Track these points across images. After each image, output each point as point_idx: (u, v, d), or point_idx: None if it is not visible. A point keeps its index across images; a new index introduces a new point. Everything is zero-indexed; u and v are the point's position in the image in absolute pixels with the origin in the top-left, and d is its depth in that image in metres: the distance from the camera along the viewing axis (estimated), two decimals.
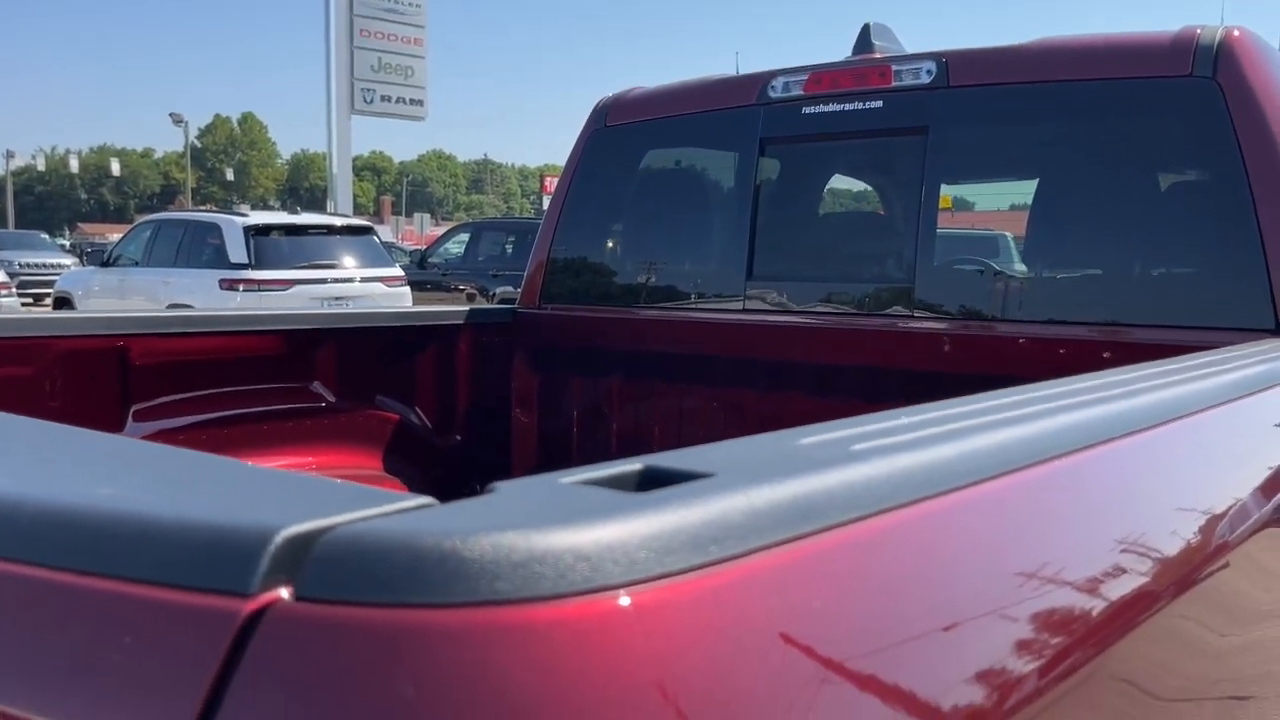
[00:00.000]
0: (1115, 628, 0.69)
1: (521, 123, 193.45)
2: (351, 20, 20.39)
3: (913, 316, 2.30)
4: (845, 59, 2.58)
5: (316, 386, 2.45)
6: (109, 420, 2.07)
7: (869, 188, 2.91)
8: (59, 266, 18.35)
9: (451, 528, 0.43)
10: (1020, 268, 2.38)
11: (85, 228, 65.82)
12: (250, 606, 0.42)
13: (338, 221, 11.02)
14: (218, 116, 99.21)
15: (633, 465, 0.54)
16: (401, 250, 19.22)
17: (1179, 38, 2.03)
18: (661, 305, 2.71)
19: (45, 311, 9.11)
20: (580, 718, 0.40)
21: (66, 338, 1.99)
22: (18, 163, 67.83)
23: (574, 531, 0.43)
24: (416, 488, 1.84)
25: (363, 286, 9.98)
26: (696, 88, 2.76)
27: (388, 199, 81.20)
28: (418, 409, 2.64)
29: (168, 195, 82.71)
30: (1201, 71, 1.96)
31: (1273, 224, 1.85)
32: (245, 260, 9.58)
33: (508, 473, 2.66)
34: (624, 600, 0.43)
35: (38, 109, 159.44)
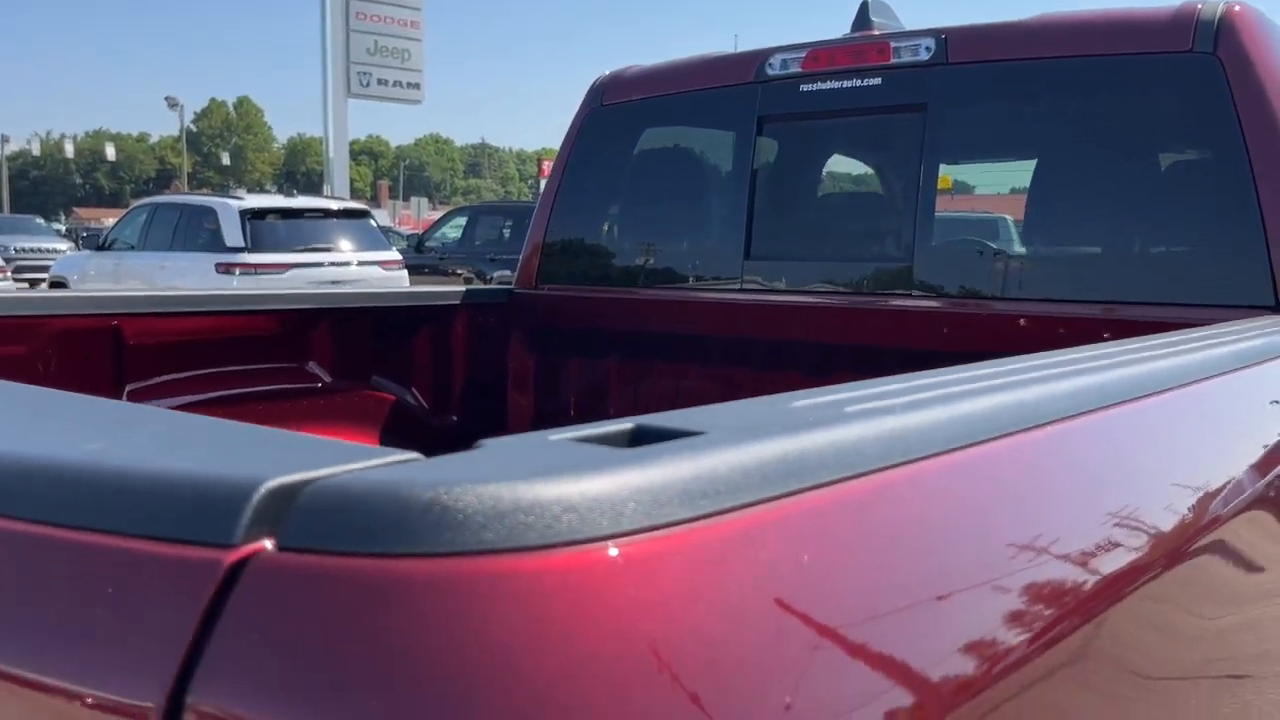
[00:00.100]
0: (1105, 597, 0.69)
1: (519, 106, 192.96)
2: (347, 3, 20.27)
3: (911, 295, 2.29)
4: (844, 36, 2.56)
5: (312, 367, 2.44)
6: None
7: (868, 167, 2.90)
8: (54, 251, 18.30)
9: (437, 479, 0.42)
10: (1020, 250, 2.37)
11: (81, 213, 65.71)
12: (233, 557, 0.42)
13: (334, 205, 10.99)
14: (213, 100, 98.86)
15: (623, 424, 0.53)
16: (399, 235, 19.18)
17: (1180, 12, 2.02)
18: (659, 285, 2.70)
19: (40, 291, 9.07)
20: (566, 667, 0.40)
21: (60, 316, 1.98)
22: (12, 147, 67.56)
23: (561, 483, 0.43)
24: None
25: (359, 270, 9.96)
26: (693, 65, 2.74)
27: (385, 183, 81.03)
28: (414, 389, 2.63)
29: (163, 180, 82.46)
30: (1202, 47, 1.95)
31: (1273, 201, 1.84)
32: (241, 244, 9.55)
33: None
34: (612, 551, 0.42)
35: (32, 93, 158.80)
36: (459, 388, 2.71)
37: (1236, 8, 1.97)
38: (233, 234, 9.61)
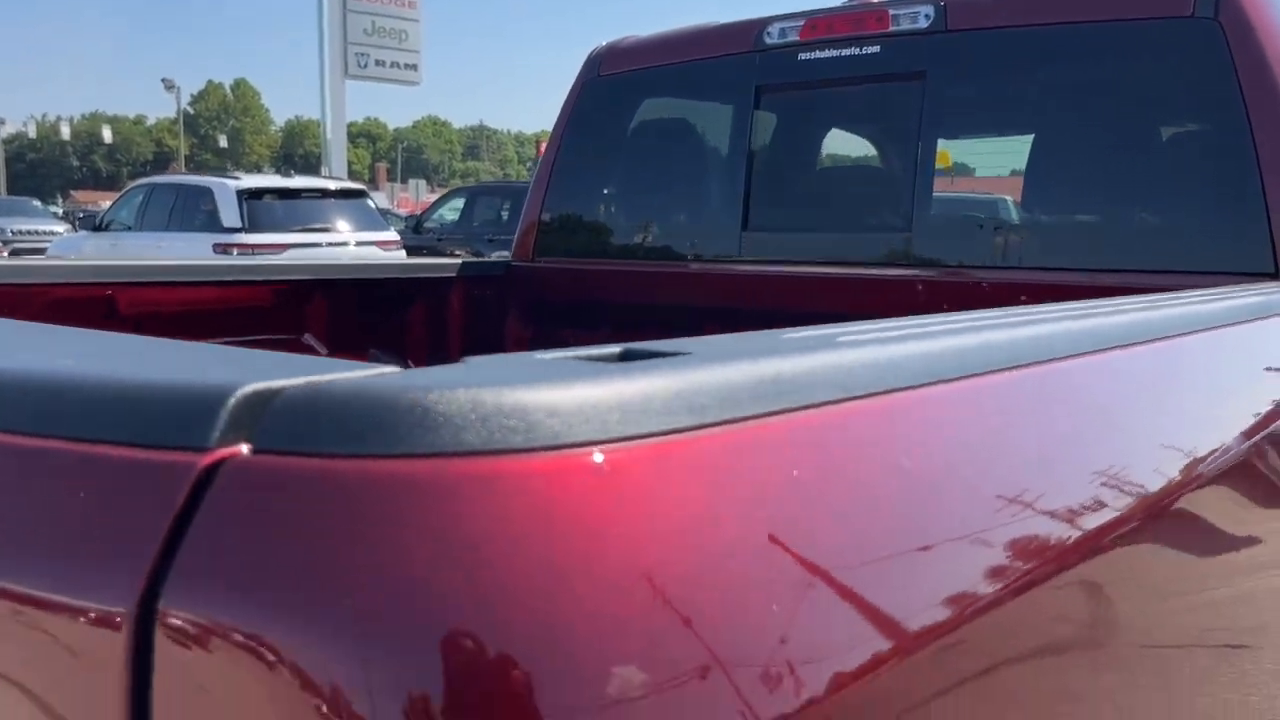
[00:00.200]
0: (1088, 546, 0.68)
1: (517, 88, 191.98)
2: None
3: (910, 265, 2.28)
4: (842, 4, 2.54)
5: (308, 338, 2.43)
6: None
7: (867, 137, 2.88)
8: (50, 234, 18.27)
9: (417, 383, 0.42)
10: (1019, 220, 2.36)
11: (78, 195, 65.47)
12: (207, 460, 0.41)
13: (331, 185, 10.95)
14: (210, 83, 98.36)
15: (611, 348, 0.53)
16: (397, 216, 19.13)
17: None
18: (657, 257, 2.69)
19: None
20: (546, 568, 0.39)
21: (55, 285, 1.97)
22: (8, 130, 67.25)
23: (545, 390, 0.42)
24: None
25: (357, 251, 9.93)
26: (691, 35, 2.72)
27: (383, 166, 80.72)
28: (410, 362, 2.63)
29: (161, 163, 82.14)
30: (1203, 12, 1.93)
31: (1274, 167, 1.83)
32: (238, 224, 9.52)
33: None
34: (596, 457, 0.42)
35: (29, 75, 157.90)
36: (456, 359, 2.70)
37: None
38: (230, 214, 9.58)
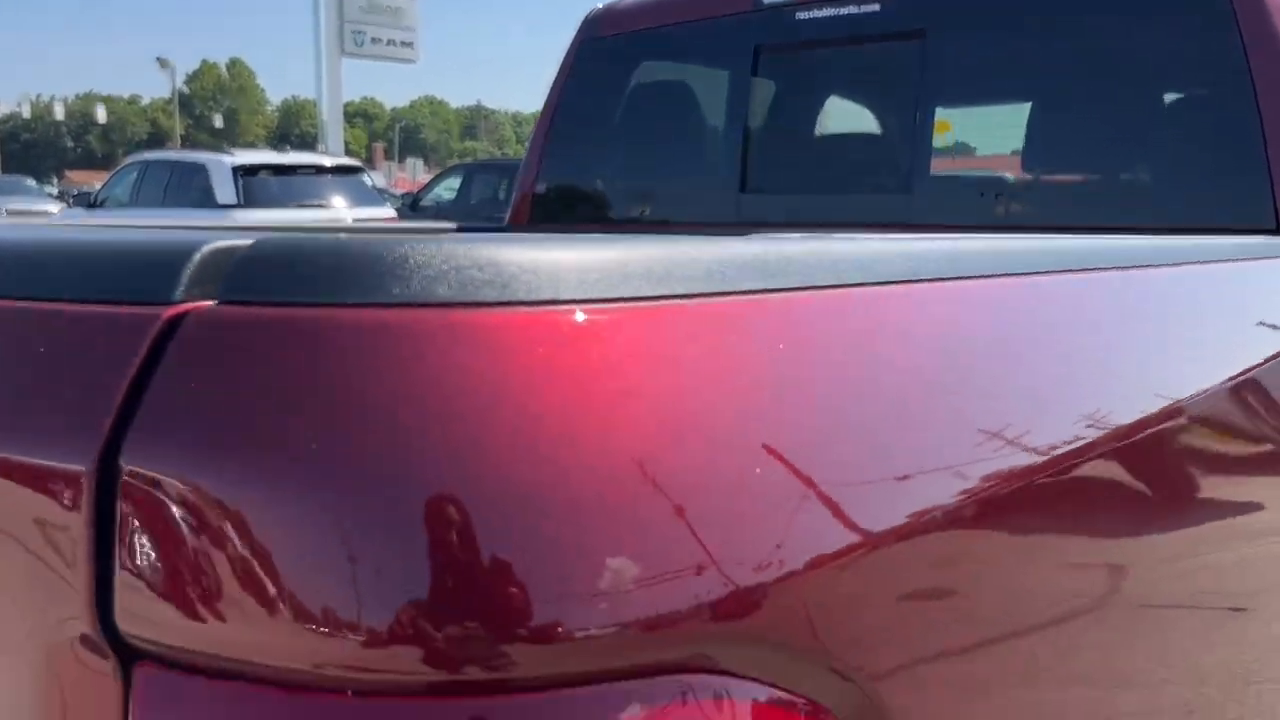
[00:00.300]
0: (1068, 452, 0.67)
1: (515, 67, 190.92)
2: None
3: (909, 226, 2.26)
4: None
5: None
6: None
7: (866, 97, 2.85)
8: (45, 213, 18.19)
9: (388, 237, 0.40)
10: (1017, 180, 2.33)
11: (72, 175, 65.21)
12: (170, 313, 0.40)
13: (327, 161, 10.89)
14: (205, 62, 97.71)
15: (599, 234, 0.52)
16: (393, 196, 19.04)
17: None
18: (653, 220, 2.67)
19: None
20: (515, 419, 0.38)
21: None
22: (2, 110, 66.86)
23: (521, 248, 0.41)
24: None
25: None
26: None
27: (380, 145, 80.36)
28: None
29: (155, 143, 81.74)
30: None
31: (1274, 120, 1.81)
32: (234, 201, 9.46)
33: None
34: (575, 315, 0.41)
35: (21, 55, 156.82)
36: None
37: None
38: (225, 191, 9.52)
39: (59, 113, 79.29)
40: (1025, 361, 0.68)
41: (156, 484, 0.39)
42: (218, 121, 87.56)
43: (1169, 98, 2.05)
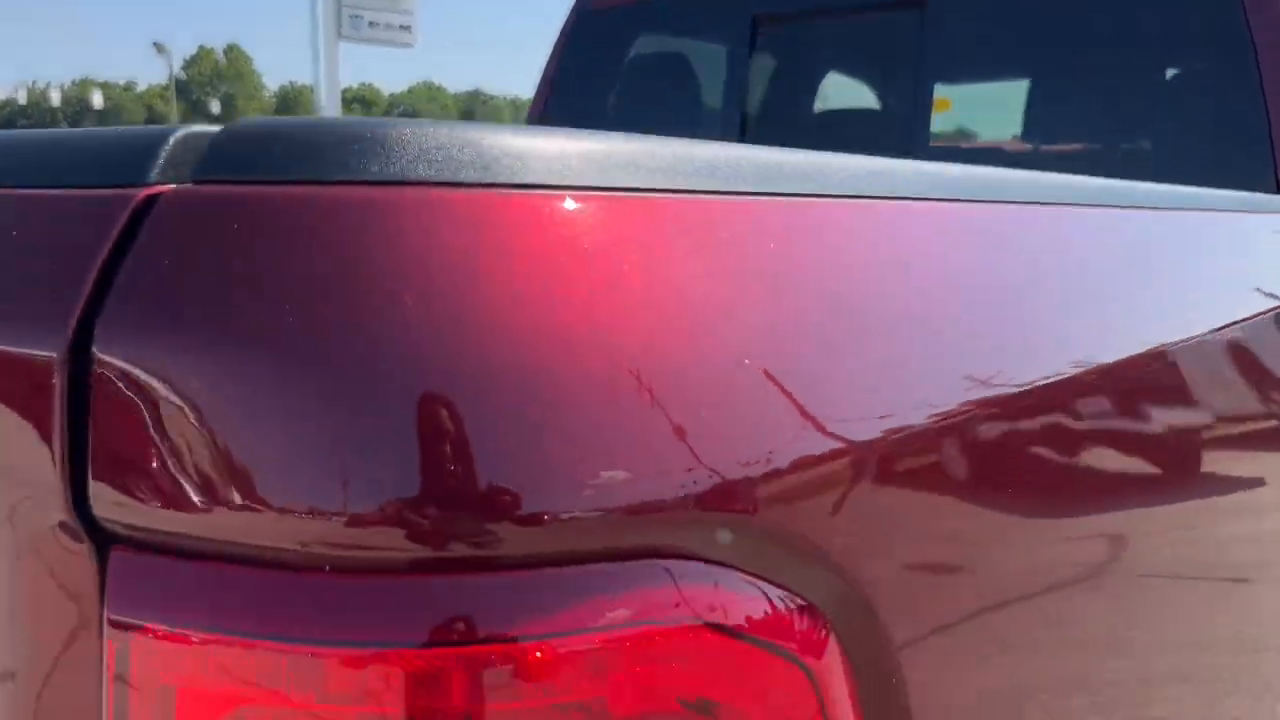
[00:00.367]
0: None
1: (515, 53, 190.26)
2: None
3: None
4: None
5: None
6: None
7: (865, 68, 2.84)
8: None
9: (367, 119, 0.40)
10: (1017, 147, 2.32)
11: None
12: (144, 194, 0.39)
13: None
14: (202, 48, 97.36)
15: None
16: None
17: None
18: None
19: None
20: (501, 298, 0.38)
21: None
22: None
23: (504, 134, 0.40)
24: None
25: None
26: None
27: None
28: None
29: None
30: None
31: (1275, 79, 1.80)
32: None
33: None
34: (562, 201, 0.40)
35: (17, 41, 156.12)
36: None
37: None
38: None
39: (55, 99, 78.99)
40: (1013, 287, 0.68)
41: (130, 367, 0.39)
42: (215, 107, 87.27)
43: (1169, 66, 2.04)
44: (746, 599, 0.42)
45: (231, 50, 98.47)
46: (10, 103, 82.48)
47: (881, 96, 2.69)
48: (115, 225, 0.39)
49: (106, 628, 0.39)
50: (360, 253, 0.37)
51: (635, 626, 0.39)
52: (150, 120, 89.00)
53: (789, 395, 0.46)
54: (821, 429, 0.46)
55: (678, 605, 0.40)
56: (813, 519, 0.46)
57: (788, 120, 2.59)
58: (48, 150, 0.44)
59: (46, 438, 0.40)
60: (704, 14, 2.64)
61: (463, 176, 0.39)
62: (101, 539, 0.41)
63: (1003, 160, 2.23)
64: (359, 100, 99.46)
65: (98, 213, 0.40)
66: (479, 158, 0.39)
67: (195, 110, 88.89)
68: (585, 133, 0.45)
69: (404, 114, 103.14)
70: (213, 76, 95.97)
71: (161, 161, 0.40)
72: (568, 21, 2.83)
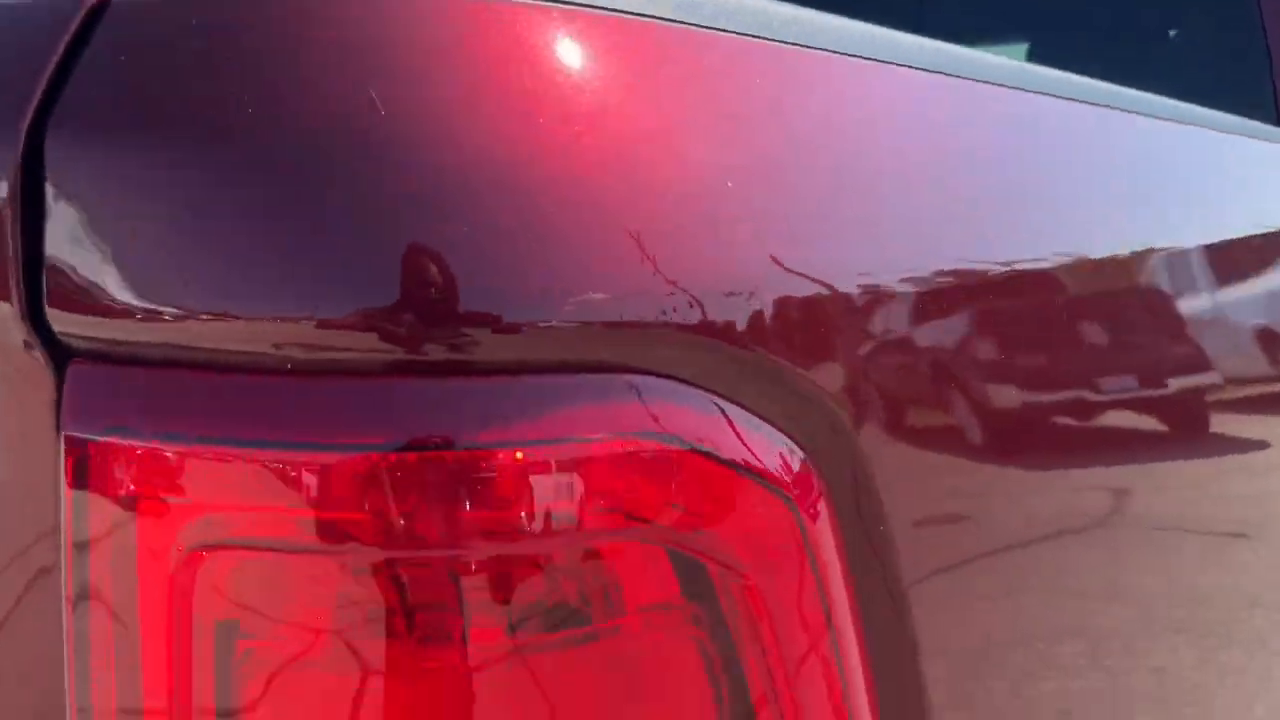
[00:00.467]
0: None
1: None
2: None
3: None
4: None
5: None
6: None
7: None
8: None
9: None
10: None
11: None
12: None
13: None
14: None
15: None
16: None
17: None
18: None
19: None
20: (485, 102, 0.38)
21: None
22: None
23: None
24: None
25: None
26: None
27: None
28: None
29: None
30: None
31: (1275, 13, 1.79)
32: None
33: None
34: (548, 15, 0.40)
35: None
36: None
37: None
38: None
39: None
40: (1010, 166, 0.67)
41: (84, 172, 0.37)
42: None
43: (1169, 6, 2.02)
44: (728, 425, 0.41)
45: None
46: None
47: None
48: (73, 20, 0.37)
49: (63, 442, 0.38)
50: (334, 42, 0.36)
51: (610, 439, 0.38)
52: None
53: (776, 227, 0.45)
54: (806, 270, 0.45)
55: (656, 420, 0.39)
56: (801, 355, 0.45)
57: None
58: None
59: (1, 248, 0.39)
60: None
61: None
62: (60, 353, 0.39)
63: None
64: None
65: (49, 12, 0.38)
66: None
67: None
68: None
69: None
70: None
71: None
72: None
